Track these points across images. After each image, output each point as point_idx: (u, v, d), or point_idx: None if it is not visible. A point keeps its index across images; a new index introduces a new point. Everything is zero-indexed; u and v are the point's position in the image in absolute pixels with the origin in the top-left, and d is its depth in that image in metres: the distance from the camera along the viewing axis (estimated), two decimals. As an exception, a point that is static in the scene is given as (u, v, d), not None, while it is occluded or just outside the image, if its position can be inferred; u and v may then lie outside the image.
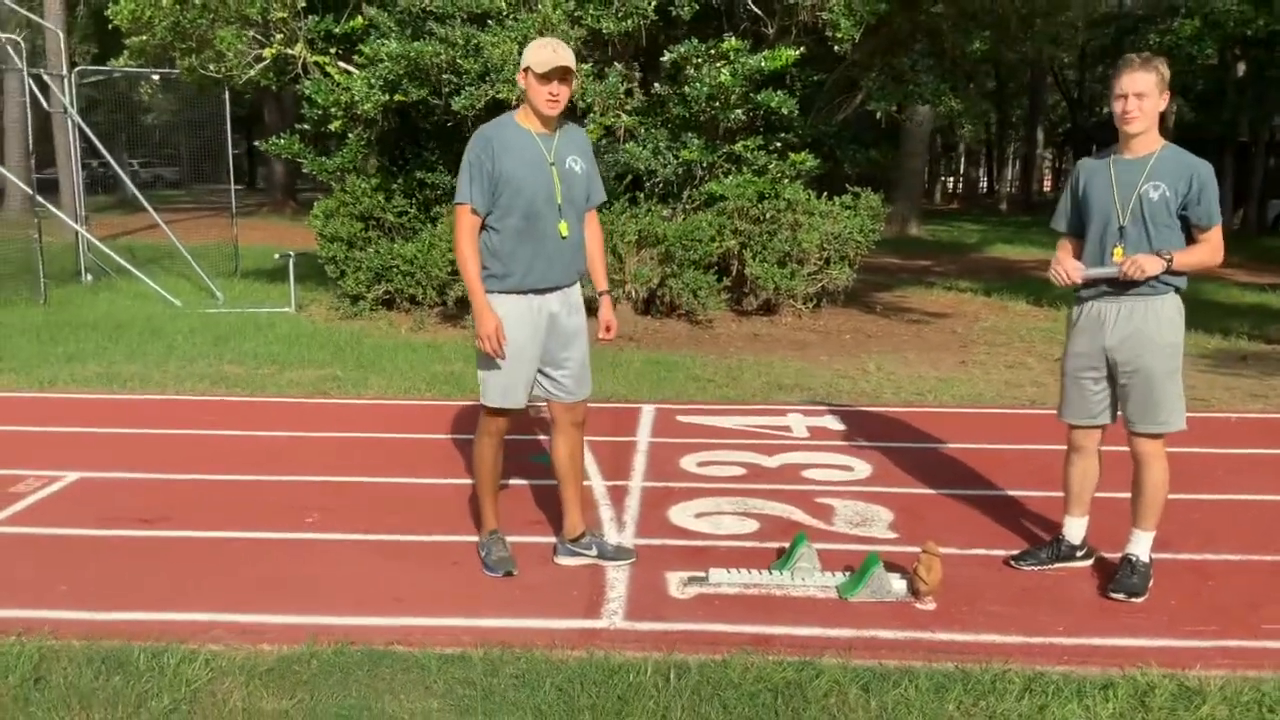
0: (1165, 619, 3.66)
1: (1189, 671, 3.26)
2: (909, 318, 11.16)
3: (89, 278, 13.14)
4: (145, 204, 13.53)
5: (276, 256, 12.07)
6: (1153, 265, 3.64)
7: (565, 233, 3.82)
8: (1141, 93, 3.62)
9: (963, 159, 56.99)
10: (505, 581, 3.93)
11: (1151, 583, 3.86)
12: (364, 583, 3.92)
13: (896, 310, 11.71)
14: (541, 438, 5.88)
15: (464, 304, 9.56)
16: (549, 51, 3.69)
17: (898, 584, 3.83)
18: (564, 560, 4.11)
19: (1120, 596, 3.79)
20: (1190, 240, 3.77)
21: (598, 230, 4.09)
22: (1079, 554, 4.07)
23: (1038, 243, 21.15)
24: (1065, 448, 4.07)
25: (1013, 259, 19.25)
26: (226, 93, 13.73)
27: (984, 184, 55.31)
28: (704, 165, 10.13)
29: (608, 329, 4.03)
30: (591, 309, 4.07)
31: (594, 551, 4.10)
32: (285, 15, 9.85)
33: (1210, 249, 3.76)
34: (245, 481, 5.15)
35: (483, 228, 3.82)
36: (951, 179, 57.86)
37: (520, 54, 3.80)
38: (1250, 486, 5.18)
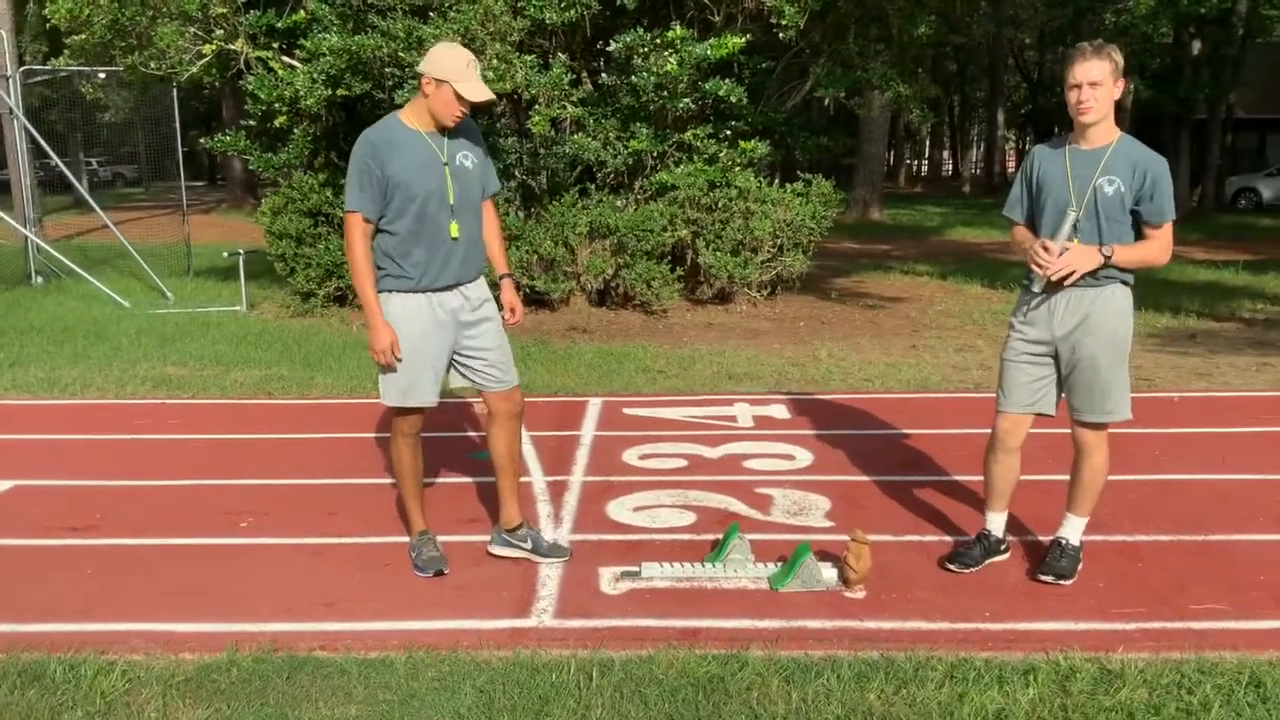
0: (1093, 602, 3.68)
1: (1112, 654, 3.28)
2: (864, 303, 11.19)
3: (39, 280, 12.95)
4: (94, 205, 13.35)
5: (225, 254, 11.93)
6: (1084, 262, 3.57)
7: (455, 234, 3.78)
8: (1095, 81, 3.52)
9: (927, 142, 57.38)
10: (436, 582, 3.90)
11: (1081, 565, 3.88)
12: (295, 588, 3.87)
13: (852, 296, 11.73)
14: (474, 435, 5.85)
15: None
16: (474, 72, 3.65)
17: (828, 573, 3.82)
18: (498, 550, 4.09)
19: (1049, 579, 3.81)
20: (1140, 237, 3.68)
21: (494, 219, 4.07)
22: (1002, 547, 4.07)
23: (998, 225, 21.26)
24: None
25: (971, 241, 19.38)
26: (174, 90, 13.57)
27: (948, 167, 55.68)
28: (654, 155, 10.10)
29: (512, 311, 4.02)
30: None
31: (529, 545, 4.08)
32: (225, 10, 9.73)
33: (1158, 247, 3.66)
34: (182, 486, 5.09)
35: (378, 231, 3.79)
36: (916, 162, 58.21)
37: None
38: (1186, 466, 5.22)
